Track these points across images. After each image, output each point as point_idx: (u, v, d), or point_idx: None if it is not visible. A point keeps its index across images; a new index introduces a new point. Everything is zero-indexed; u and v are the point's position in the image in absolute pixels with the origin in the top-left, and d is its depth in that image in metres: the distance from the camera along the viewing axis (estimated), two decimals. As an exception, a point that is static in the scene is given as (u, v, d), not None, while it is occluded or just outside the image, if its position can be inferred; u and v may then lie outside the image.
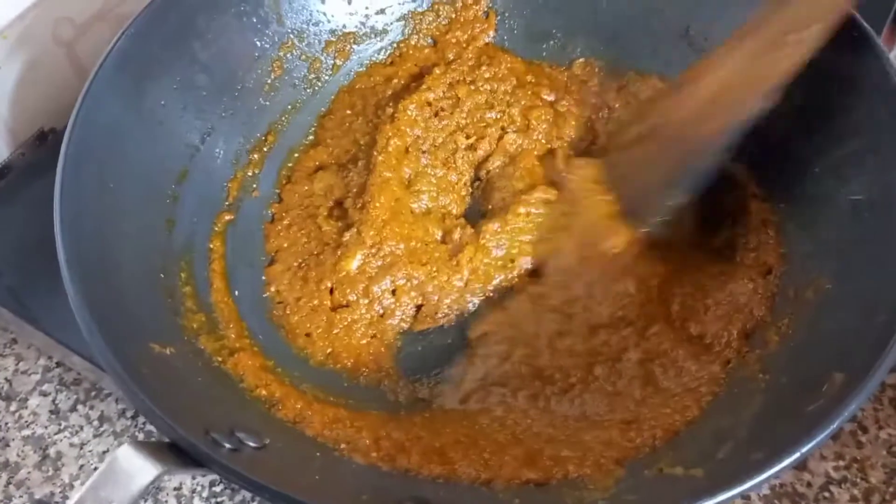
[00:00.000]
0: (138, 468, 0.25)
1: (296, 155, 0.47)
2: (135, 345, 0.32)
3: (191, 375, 0.34)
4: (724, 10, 0.44)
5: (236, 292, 0.41)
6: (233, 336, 0.39)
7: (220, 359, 0.37)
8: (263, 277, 0.42)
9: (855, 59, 0.38)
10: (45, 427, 0.45)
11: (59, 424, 0.45)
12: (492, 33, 0.50)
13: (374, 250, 0.41)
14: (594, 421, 0.36)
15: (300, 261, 0.43)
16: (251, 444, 0.30)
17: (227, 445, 0.29)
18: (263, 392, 0.36)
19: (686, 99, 0.42)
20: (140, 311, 0.34)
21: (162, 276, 0.38)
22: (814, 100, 0.40)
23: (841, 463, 0.44)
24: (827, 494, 0.43)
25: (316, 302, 0.41)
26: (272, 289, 0.42)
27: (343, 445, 0.35)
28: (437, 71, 0.47)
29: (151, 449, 0.26)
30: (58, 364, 0.48)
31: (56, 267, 0.42)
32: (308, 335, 0.40)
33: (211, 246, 0.42)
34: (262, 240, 0.44)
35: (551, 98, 0.48)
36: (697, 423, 0.35)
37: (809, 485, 0.43)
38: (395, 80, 0.48)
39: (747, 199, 0.42)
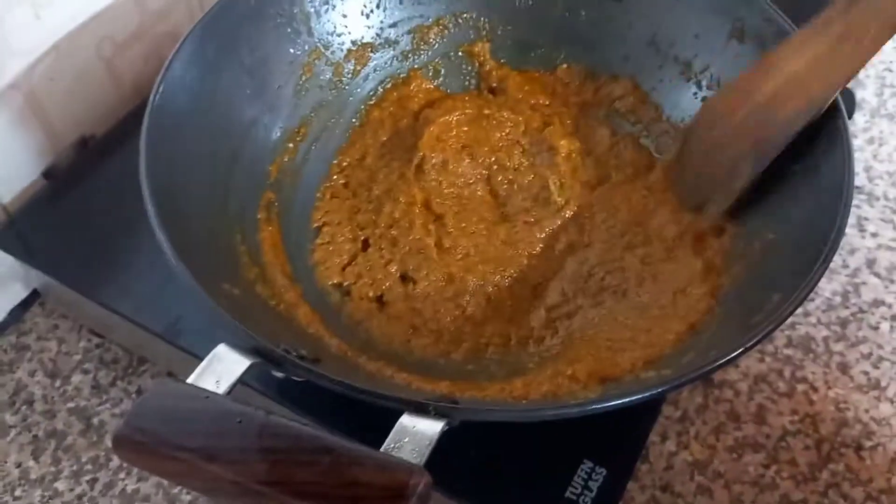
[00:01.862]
0: (235, 360, 0.31)
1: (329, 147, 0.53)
2: (213, 284, 0.37)
3: (255, 309, 0.40)
4: (685, 21, 0.50)
5: (287, 257, 0.46)
6: (283, 290, 0.44)
7: (274, 302, 0.42)
8: (309, 246, 0.48)
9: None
10: (88, 400, 0.49)
11: (101, 397, 0.49)
12: (488, 45, 0.56)
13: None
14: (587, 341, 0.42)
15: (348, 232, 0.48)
16: (309, 357, 0.36)
17: (293, 354, 0.34)
18: (312, 331, 0.42)
19: (766, 79, 0.43)
20: (212, 260, 0.40)
21: (223, 234, 0.43)
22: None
23: (795, 417, 0.48)
24: (784, 444, 0.47)
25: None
26: (316, 256, 0.48)
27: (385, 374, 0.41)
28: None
29: (240, 349, 0.33)
30: (97, 345, 0.52)
31: (101, 251, 0.48)
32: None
33: (259, 217, 0.47)
34: (308, 215, 0.49)
35: (546, 102, 0.54)
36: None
37: (768, 436, 0.47)
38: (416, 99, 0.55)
39: None
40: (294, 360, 0.33)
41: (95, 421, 0.49)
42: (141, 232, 0.46)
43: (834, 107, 0.42)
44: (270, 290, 0.43)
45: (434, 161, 0.51)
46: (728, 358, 0.34)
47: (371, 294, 0.46)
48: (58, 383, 0.50)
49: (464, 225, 0.49)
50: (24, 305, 0.54)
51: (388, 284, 0.46)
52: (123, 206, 0.48)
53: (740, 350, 0.34)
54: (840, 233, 0.38)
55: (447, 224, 0.49)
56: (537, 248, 0.49)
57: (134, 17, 0.57)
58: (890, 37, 0.38)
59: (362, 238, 0.49)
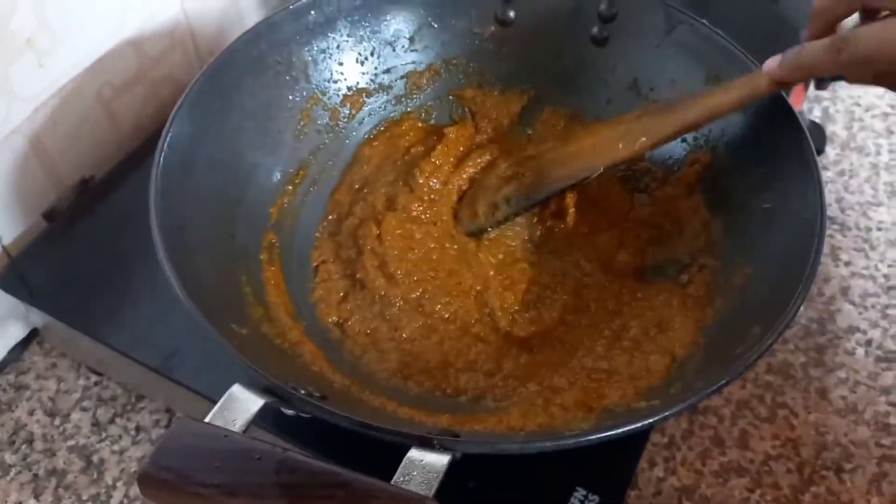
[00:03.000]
0: (249, 399, 0.33)
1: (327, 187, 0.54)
2: (223, 325, 0.39)
3: (263, 349, 0.41)
4: (663, 66, 0.53)
5: (289, 295, 0.47)
6: (287, 329, 0.45)
7: (279, 341, 0.44)
8: (309, 284, 0.49)
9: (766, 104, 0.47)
10: (88, 437, 0.50)
11: (101, 434, 0.50)
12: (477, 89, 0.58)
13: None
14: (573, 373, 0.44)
15: (341, 269, 0.50)
16: (316, 394, 0.38)
17: (302, 392, 0.36)
18: (315, 368, 0.43)
19: (564, 143, 0.51)
20: (221, 303, 0.41)
21: (230, 276, 0.44)
22: (736, 130, 0.49)
23: (777, 442, 0.49)
24: (767, 468, 0.48)
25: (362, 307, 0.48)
26: (316, 294, 0.49)
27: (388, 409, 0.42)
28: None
29: (254, 389, 0.34)
30: (96, 383, 0.52)
31: (99, 289, 0.49)
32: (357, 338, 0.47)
33: (262, 258, 0.49)
34: (307, 254, 0.51)
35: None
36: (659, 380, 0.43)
37: (752, 461, 0.48)
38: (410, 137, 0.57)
39: (699, 205, 0.50)
40: (304, 398, 0.35)
41: (95, 458, 0.49)
42: (137, 269, 0.50)
43: (804, 145, 0.45)
44: (276, 329, 0.44)
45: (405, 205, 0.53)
46: (713, 389, 0.36)
47: (366, 330, 0.48)
48: (57, 421, 0.51)
49: (432, 275, 0.50)
50: (23, 345, 0.55)
51: (374, 325, 0.48)
52: (121, 245, 0.52)
53: (725, 381, 0.36)
54: (814, 268, 0.40)
55: (408, 276, 0.50)
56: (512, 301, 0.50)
57: (132, 62, 0.58)
58: (649, 147, 0.48)
59: (354, 275, 0.50)
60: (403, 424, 0.39)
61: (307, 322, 0.47)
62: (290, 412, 0.35)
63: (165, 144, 0.44)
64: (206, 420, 0.32)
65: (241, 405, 0.32)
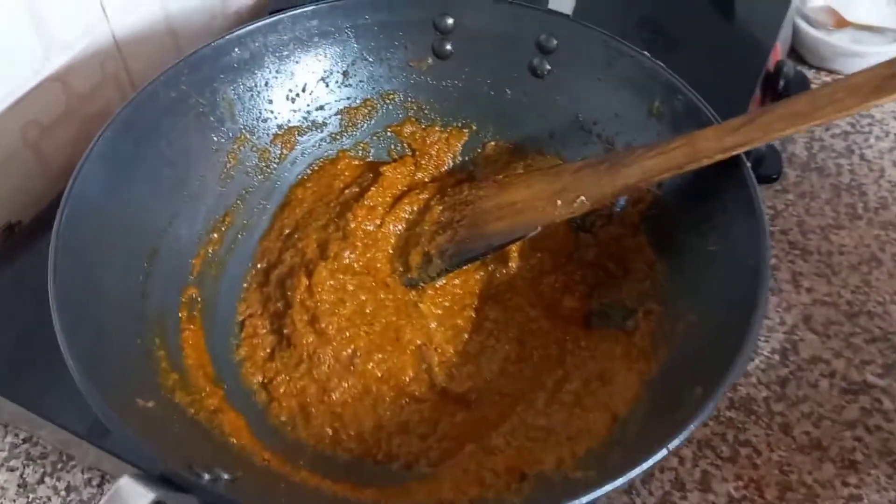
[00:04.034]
0: (139, 494, 0.30)
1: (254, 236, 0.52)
2: (123, 399, 0.36)
3: (170, 423, 0.38)
4: (606, 100, 0.51)
5: (210, 356, 0.45)
6: (204, 395, 0.42)
7: (192, 410, 0.41)
8: (234, 341, 0.47)
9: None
10: (14, 500, 0.47)
11: (28, 497, 0.47)
12: (416, 124, 0.56)
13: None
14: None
15: (268, 323, 0.47)
16: (225, 476, 0.35)
17: (207, 476, 0.33)
18: (234, 440, 0.40)
19: (497, 193, 0.50)
20: (124, 372, 0.38)
21: (139, 341, 0.41)
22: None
23: (740, 483, 0.48)
24: None
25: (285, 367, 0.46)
26: (242, 352, 0.46)
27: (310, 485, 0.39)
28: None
29: (146, 480, 0.31)
30: (24, 440, 0.50)
31: (24, 348, 0.47)
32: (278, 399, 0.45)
33: (181, 315, 0.46)
34: (233, 307, 0.48)
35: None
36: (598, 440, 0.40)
37: None
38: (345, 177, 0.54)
39: (644, 245, 0.49)
40: (204, 485, 0.32)
41: (23, 523, 0.46)
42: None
43: (747, 184, 0.43)
44: (191, 398, 0.42)
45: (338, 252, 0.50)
46: (652, 461, 0.33)
47: (293, 392, 0.45)
48: (-20, 484, 0.48)
49: (365, 332, 0.48)
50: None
51: (302, 385, 0.45)
52: (47, 298, 0.47)
53: (663, 453, 0.34)
54: (756, 323, 0.38)
55: (340, 332, 0.47)
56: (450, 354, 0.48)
57: (60, 100, 0.56)
58: (588, 209, 0.46)
59: (281, 330, 0.48)
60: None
61: (229, 385, 0.45)
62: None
63: (67, 204, 0.41)
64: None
65: (130, 501, 0.29)
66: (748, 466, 0.48)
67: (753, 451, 0.49)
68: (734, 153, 0.43)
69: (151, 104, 0.47)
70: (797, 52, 0.73)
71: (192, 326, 0.46)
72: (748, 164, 0.44)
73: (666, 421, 0.37)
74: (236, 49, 0.51)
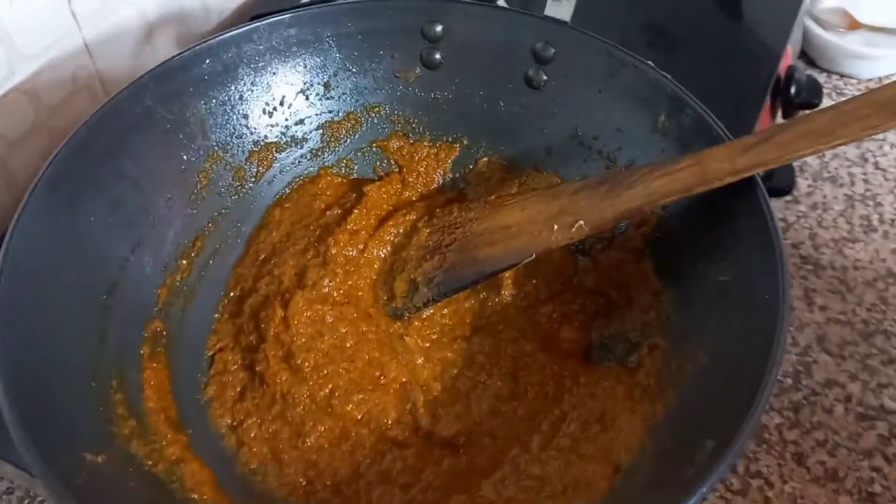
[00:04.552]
0: None
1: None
2: (68, 456, 0.33)
3: (123, 480, 0.35)
4: (608, 113, 0.48)
5: (174, 398, 0.42)
6: (165, 444, 0.39)
7: (150, 462, 0.38)
8: (202, 378, 0.44)
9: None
10: None
11: None
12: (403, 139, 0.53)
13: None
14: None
15: (240, 358, 0.44)
16: None
17: None
18: (195, 496, 0.37)
19: (489, 216, 0.47)
20: (73, 422, 0.35)
21: (94, 384, 0.38)
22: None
23: None
24: None
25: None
26: (210, 391, 0.43)
27: None
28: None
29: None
30: None
31: None
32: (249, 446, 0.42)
33: (142, 352, 0.43)
34: (202, 341, 0.45)
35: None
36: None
37: None
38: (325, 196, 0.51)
39: (649, 272, 0.46)
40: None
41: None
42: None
43: (762, 207, 0.40)
44: (149, 448, 0.39)
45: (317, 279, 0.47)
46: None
47: (264, 436, 0.42)
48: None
49: (347, 370, 0.45)
50: None
51: (275, 429, 0.42)
52: None
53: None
54: (775, 367, 0.34)
55: (317, 370, 0.44)
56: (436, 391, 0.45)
57: (28, 113, 0.53)
58: (587, 234, 0.44)
59: (253, 366, 0.44)
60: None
61: (194, 430, 0.42)
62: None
63: (13, 231, 0.37)
64: None
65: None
66: (759, 500, 0.46)
67: (765, 483, 0.47)
68: (747, 175, 0.39)
69: (113, 121, 0.44)
70: (807, 54, 0.71)
71: (154, 364, 0.43)
72: (762, 187, 0.40)
73: (673, 480, 0.34)
74: (207, 60, 0.48)
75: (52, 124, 0.55)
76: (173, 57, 0.47)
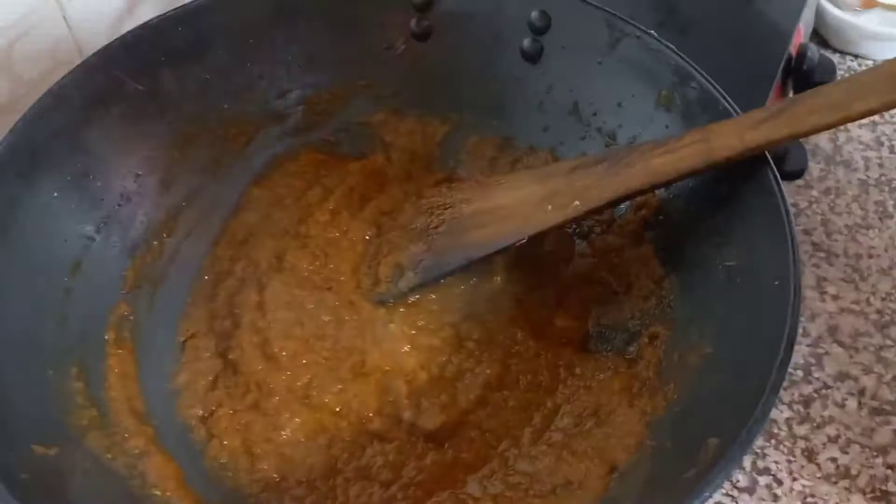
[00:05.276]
0: None
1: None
2: (15, 450, 0.31)
3: (72, 475, 0.33)
4: (608, 86, 0.46)
5: (140, 386, 0.40)
6: (127, 436, 0.38)
7: (110, 455, 0.36)
8: (172, 366, 0.42)
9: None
10: None
11: None
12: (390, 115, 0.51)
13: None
14: None
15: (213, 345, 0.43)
16: None
17: None
18: (157, 492, 0.35)
19: (480, 196, 0.45)
20: (23, 413, 0.33)
21: (51, 372, 0.37)
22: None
23: None
24: None
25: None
26: (180, 379, 0.42)
27: None
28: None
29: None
30: None
31: None
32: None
33: (107, 337, 0.41)
34: (173, 326, 0.43)
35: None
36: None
37: None
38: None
39: (650, 256, 0.44)
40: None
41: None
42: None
43: (773, 189, 0.38)
44: (109, 440, 0.37)
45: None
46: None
47: (236, 428, 0.40)
48: None
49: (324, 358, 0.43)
50: None
51: (247, 421, 0.40)
52: None
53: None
54: (785, 358, 0.33)
55: (294, 358, 0.42)
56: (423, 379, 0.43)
57: (3, 89, 0.52)
58: (584, 215, 0.42)
59: (226, 354, 0.43)
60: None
61: (161, 421, 0.40)
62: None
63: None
64: None
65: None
66: (768, 497, 0.45)
67: (773, 480, 0.46)
68: (756, 152, 0.37)
69: (78, 92, 0.42)
70: (820, 34, 0.70)
71: (120, 351, 0.41)
72: (773, 165, 0.38)
73: (674, 480, 0.32)
74: (179, 28, 0.46)
75: (30, 101, 0.53)
76: (145, 23, 0.45)
